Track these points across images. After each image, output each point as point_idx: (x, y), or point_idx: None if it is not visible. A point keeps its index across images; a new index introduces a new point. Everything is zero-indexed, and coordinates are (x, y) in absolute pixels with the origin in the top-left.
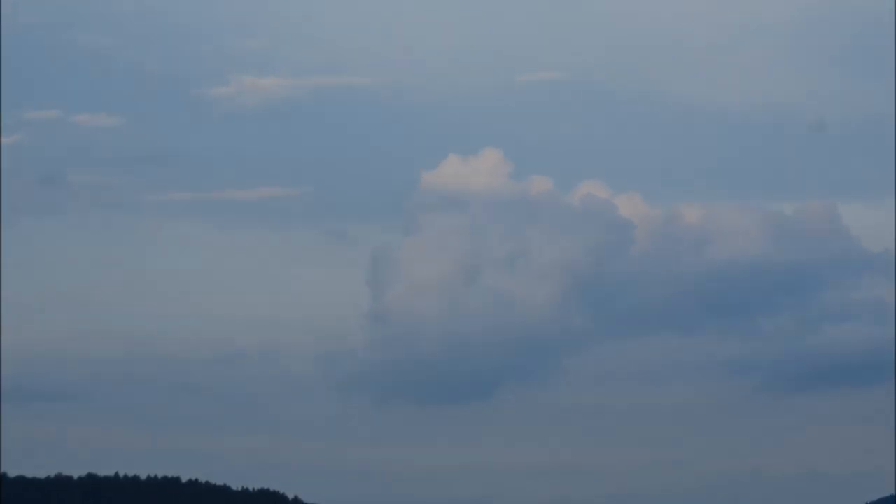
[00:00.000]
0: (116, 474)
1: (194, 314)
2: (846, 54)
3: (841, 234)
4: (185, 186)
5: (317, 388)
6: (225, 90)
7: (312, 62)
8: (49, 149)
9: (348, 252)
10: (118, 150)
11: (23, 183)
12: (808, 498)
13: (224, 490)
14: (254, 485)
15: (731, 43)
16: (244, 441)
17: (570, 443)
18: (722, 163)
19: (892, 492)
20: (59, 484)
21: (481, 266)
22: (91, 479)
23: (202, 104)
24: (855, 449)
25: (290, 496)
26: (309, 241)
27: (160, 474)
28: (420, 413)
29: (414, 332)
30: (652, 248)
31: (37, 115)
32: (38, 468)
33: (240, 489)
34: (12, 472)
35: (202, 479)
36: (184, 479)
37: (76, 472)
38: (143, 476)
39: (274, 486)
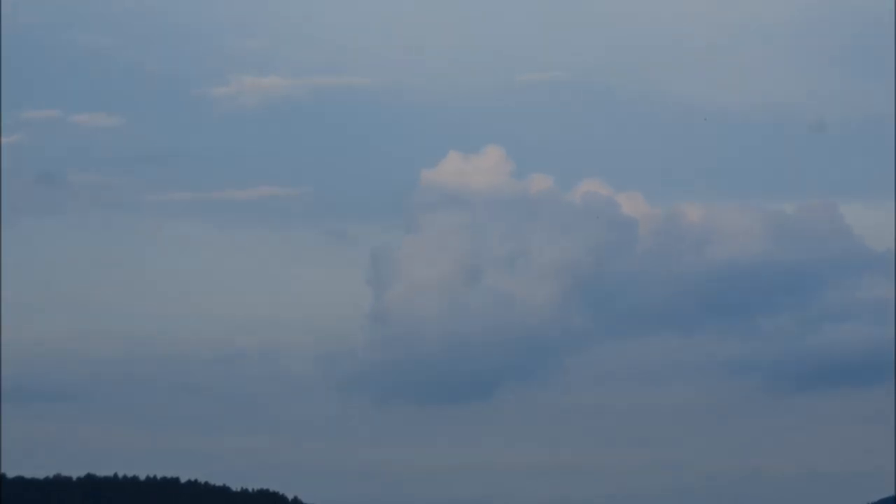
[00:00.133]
0: (116, 475)
1: (194, 314)
2: (846, 54)
3: (842, 234)
4: (185, 186)
5: (317, 388)
6: (225, 90)
7: (312, 62)
8: (49, 149)
9: (348, 252)
10: (118, 150)
11: (23, 183)
12: (808, 498)
13: (224, 490)
14: (254, 485)
15: (731, 43)
16: (244, 441)
17: (570, 443)
18: (722, 163)
19: (892, 492)
20: (59, 484)
21: (482, 265)
22: (91, 479)
23: (202, 104)
24: (855, 449)
25: (290, 496)
26: (309, 240)
27: (160, 474)
28: (420, 413)
29: (414, 331)
30: (653, 247)
31: (36, 115)
32: (38, 468)
33: (240, 489)
34: (12, 473)
35: (202, 479)
36: (183, 480)
37: (76, 472)
38: (143, 476)
39: (274, 486)
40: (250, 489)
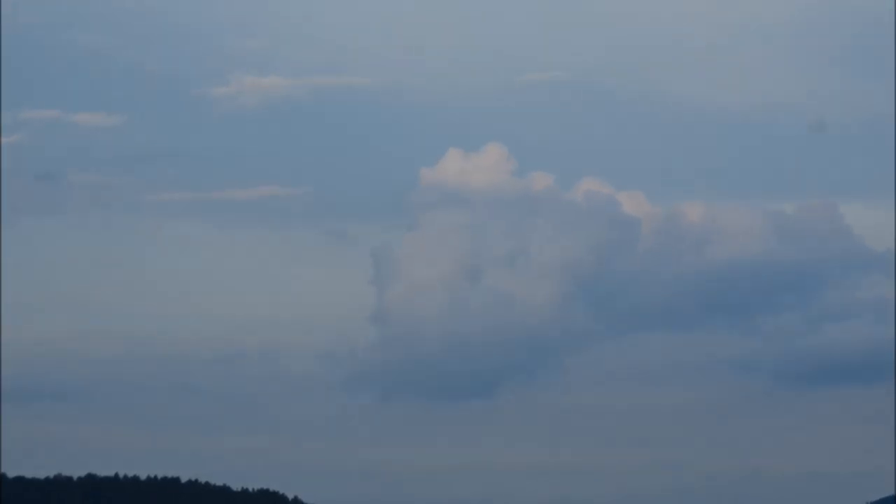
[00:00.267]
0: (116, 475)
1: (194, 314)
2: (846, 54)
3: (843, 234)
4: (186, 186)
5: (317, 387)
6: (225, 90)
7: (312, 62)
8: (49, 148)
9: (349, 252)
10: (118, 150)
11: (23, 183)
12: (808, 498)
13: (224, 490)
14: (254, 485)
15: (731, 43)
16: (244, 441)
17: (571, 442)
18: (722, 162)
19: (893, 492)
20: (59, 484)
21: (483, 264)
22: (91, 479)
23: (202, 104)
24: (855, 449)
25: (290, 496)
26: (309, 240)
27: (160, 474)
28: (420, 413)
29: (414, 331)
30: (653, 246)
31: (36, 115)
32: (38, 468)
33: (240, 489)
34: (12, 473)
35: (202, 479)
36: (184, 480)
37: (76, 472)
38: (143, 476)
39: (274, 486)
40: (250, 489)
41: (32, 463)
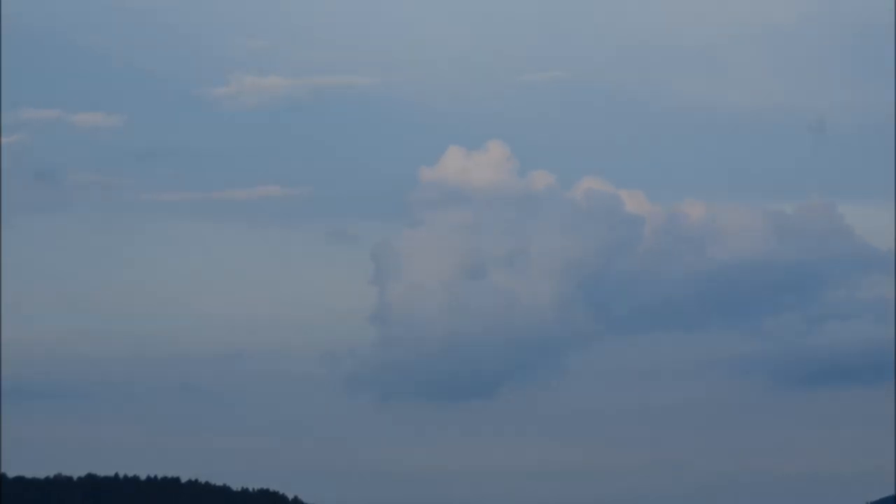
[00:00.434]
0: (116, 474)
1: (194, 314)
2: (846, 54)
3: (843, 234)
4: (186, 186)
5: (317, 387)
6: (225, 90)
7: (313, 62)
8: (49, 148)
9: (349, 251)
10: (118, 150)
11: (22, 182)
12: (808, 498)
13: (224, 490)
14: (254, 485)
15: (731, 43)
16: (244, 441)
17: (573, 442)
18: (723, 162)
19: (893, 492)
20: (59, 484)
21: (483, 264)
22: (91, 479)
23: (202, 104)
24: (855, 449)
25: (290, 496)
26: (310, 240)
27: (160, 474)
28: (421, 413)
29: (415, 331)
30: (654, 245)
31: (36, 115)
32: (38, 468)
33: (240, 489)
34: (12, 473)
35: (202, 479)
36: (184, 479)
37: (76, 472)
38: (143, 476)
39: (274, 486)
40: (250, 489)
41: (32, 463)
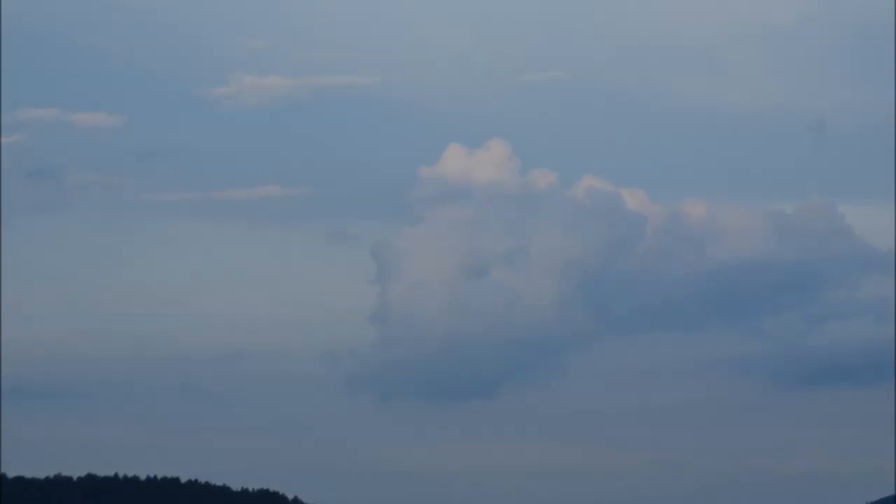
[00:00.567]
0: (116, 475)
1: (194, 314)
2: (846, 54)
3: (844, 234)
4: (185, 186)
5: (317, 387)
6: (225, 90)
7: (313, 62)
8: (49, 148)
9: (349, 251)
10: (118, 150)
11: (22, 182)
12: (808, 498)
13: (224, 490)
14: (254, 485)
15: (731, 43)
16: (244, 441)
17: (573, 443)
18: (723, 162)
19: (893, 492)
20: (59, 484)
21: (485, 262)
22: (91, 479)
23: (202, 104)
24: (855, 449)
25: (290, 496)
26: (310, 240)
27: (160, 474)
28: (421, 413)
29: (416, 330)
30: (655, 245)
31: (36, 115)
32: (38, 468)
33: (240, 489)
34: (12, 473)
35: (202, 479)
36: (184, 480)
37: (76, 472)
38: (143, 476)
39: (274, 486)
40: (250, 489)
41: (32, 463)
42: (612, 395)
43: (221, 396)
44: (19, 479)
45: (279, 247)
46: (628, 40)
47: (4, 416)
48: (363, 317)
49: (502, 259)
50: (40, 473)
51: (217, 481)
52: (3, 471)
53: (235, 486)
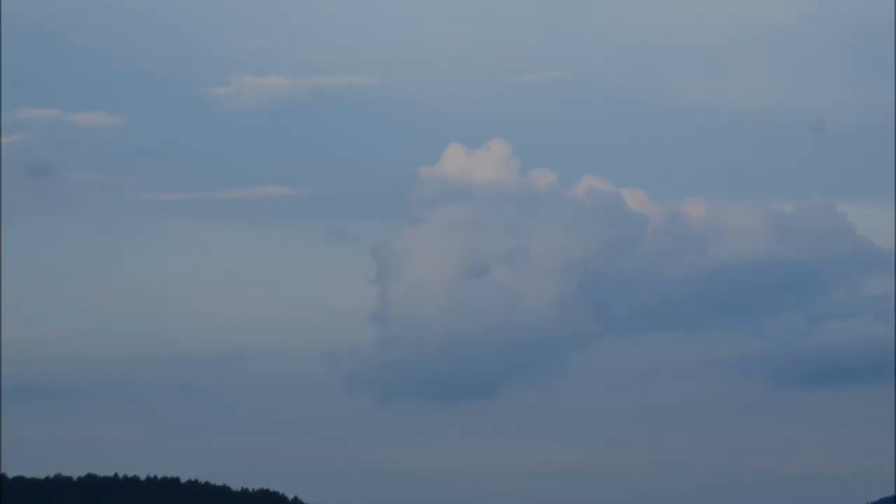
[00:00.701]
0: (116, 475)
1: (194, 314)
2: (846, 55)
3: (845, 233)
4: (186, 186)
5: (317, 387)
6: (225, 90)
7: (313, 62)
8: (49, 148)
9: (349, 251)
10: (118, 150)
11: (22, 182)
12: (808, 498)
13: (224, 490)
14: (254, 485)
15: (731, 43)
16: (244, 441)
17: (573, 443)
18: (723, 162)
19: (893, 492)
20: (59, 484)
21: (485, 262)
22: (91, 479)
23: (202, 104)
24: (855, 449)
25: (290, 496)
26: (310, 240)
27: (160, 474)
28: (421, 413)
29: (415, 330)
30: (655, 245)
31: (36, 114)
32: (38, 468)
33: (240, 489)
34: (12, 473)
35: (202, 479)
36: (184, 480)
37: (76, 472)
38: (143, 476)
39: (274, 486)
40: (250, 489)
41: (32, 463)
42: (612, 395)
43: (221, 396)
44: (19, 479)
45: (279, 247)
46: (628, 40)
47: (4, 416)
48: (363, 317)
49: (502, 259)
50: (40, 473)
51: (217, 481)
52: (3, 471)
53: (235, 486)
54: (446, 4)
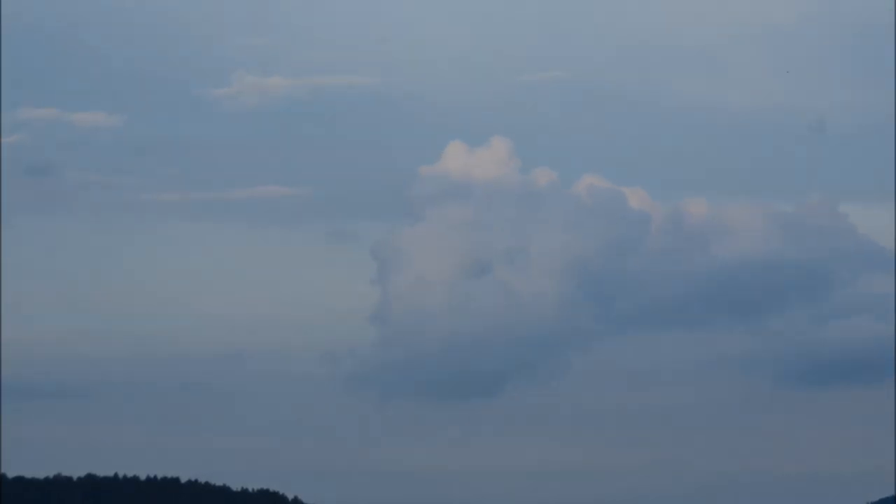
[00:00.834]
0: (116, 475)
1: (194, 314)
2: (846, 55)
3: (847, 233)
4: (186, 186)
5: (317, 387)
6: (226, 90)
7: (314, 62)
8: (49, 148)
9: (350, 251)
10: (118, 150)
11: (22, 182)
12: (809, 498)
13: (224, 490)
14: (254, 485)
15: (731, 43)
16: (244, 441)
17: (575, 443)
18: (724, 161)
19: (893, 492)
20: (59, 484)
21: (486, 261)
22: (91, 479)
23: (202, 104)
24: (855, 449)
25: (290, 496)
26: (311, 239)
27: (160, 474)
28: (421, 412)
29: (415, 329)
30: (657, 243)
31: (36, 114)
32: (38, 468)
33: (240, 489)
34: (12, 473)
35: (202, 479)
36: (184, 480)
37: (76, 472)
38: (143, 476)
39: (274, 486)
40: (250, 489)
41: (32, 463)
42: (612, 394)
43: (221, 396)
44: (19, 479)
45: (279, 247)
46: (628, 40)
47: (4, 416)
48: (363, 317)
49: (503, 258)
50: (40, 473)
51: (217, 481)
52: (3, 471)
53: (235, 486)
54: (446, 4)
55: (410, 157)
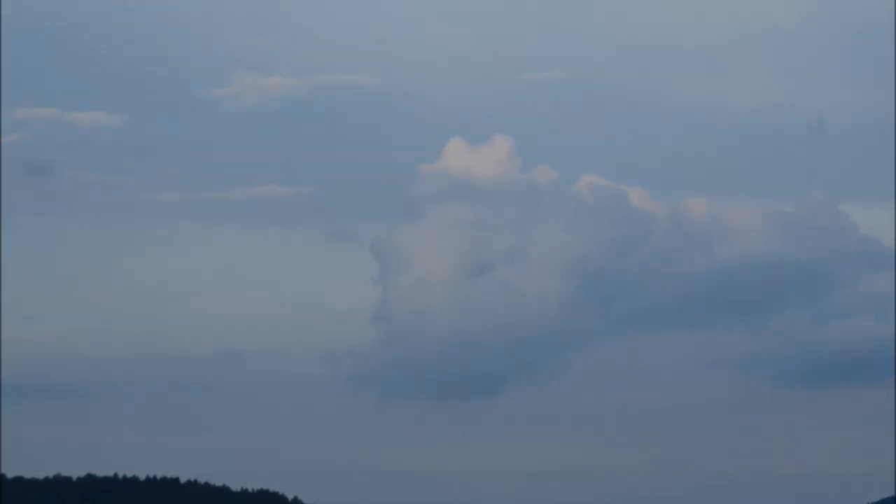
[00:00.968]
0: (116, 475)
1: (194, 314)
2: (846, 55)
3: (848, 232)
4: (186, 186)
5: (317, 387)
6: (226, 90)
7: (314, 62)
8: (48, 148)
9: (350, 250)
10: (118, 150)
11: (22, 182)
12: (809, 498)
13: (224, 490)
14: (254, 485)
15: (731, 43)
16: (244, 441)
17: (576, 442)
18: (724, 161)
19: (893, 492)
20: (59, 484)
21: (487, 260)
22: (90, 479)
23: (203, 104)
24: (855, 449)
25: (290, 496)
26: (311, 239)
27: (160, 474)
28: (422, 412)
29: (416, 329)
30: (657, 243)
31: (36, 114)
32: (38, 468)
33: (239, 489)
34: (11, 473)
35: (202, 479)
36: (183, 480)
37: (75, 472)
38: (143, 476)
39: (274, 486)
40: (250, 489)
41: (32, 463)
42: (612, 394)
43: (221, 396)
44: (19, 479)
45: (279, 247)
46: (628, 40)
47: (4, 416)
48: (364, 317)
49: (504, 257)
50: (40, 473)
51: (217, 481)
52: (3, 471)
53: (235, 486)
54: (446, 4)
55: (411, 156)
